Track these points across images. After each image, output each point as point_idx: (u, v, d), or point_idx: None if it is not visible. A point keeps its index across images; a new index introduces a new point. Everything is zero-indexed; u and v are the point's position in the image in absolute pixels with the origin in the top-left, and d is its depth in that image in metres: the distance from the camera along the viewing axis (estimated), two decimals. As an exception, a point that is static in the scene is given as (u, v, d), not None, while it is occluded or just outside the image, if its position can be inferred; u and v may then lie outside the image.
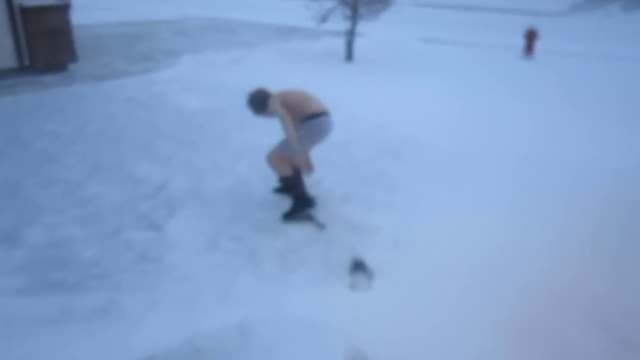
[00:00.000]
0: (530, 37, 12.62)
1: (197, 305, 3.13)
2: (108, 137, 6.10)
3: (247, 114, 7.41)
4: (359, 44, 12.41)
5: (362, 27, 12.11)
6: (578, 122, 7.09)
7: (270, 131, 6.55)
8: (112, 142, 5.96)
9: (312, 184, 4.67)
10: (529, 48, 12.68)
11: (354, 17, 11.52)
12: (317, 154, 5.36)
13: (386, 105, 7.78)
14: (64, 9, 9.20)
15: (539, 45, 12.72)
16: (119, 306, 3.10)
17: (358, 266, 3.48)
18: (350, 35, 11.51)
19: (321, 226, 4.05)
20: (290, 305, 3.11)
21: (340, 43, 12.61)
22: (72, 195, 4.56)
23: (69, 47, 9.45)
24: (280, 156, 4.12)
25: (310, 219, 4.16)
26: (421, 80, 9.62)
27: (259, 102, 4.24)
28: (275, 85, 9.00)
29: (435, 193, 4.66)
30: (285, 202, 4.38)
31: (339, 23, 11.77)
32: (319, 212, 4.28)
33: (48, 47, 9.01)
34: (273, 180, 4.79)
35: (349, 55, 11.61)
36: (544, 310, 3.13)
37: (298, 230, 4.01)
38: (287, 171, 4.13)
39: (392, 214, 4.23)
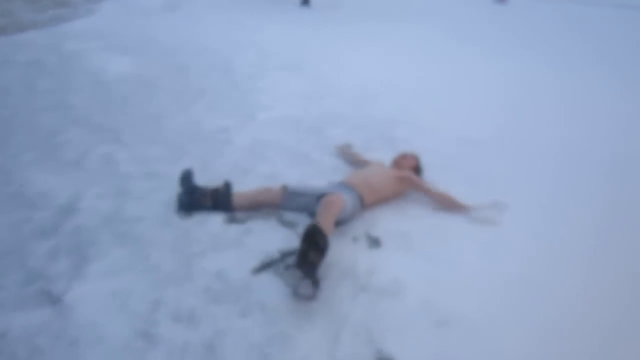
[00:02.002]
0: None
1: None
2: (-7, 126, 4.40)
3: (186, 81, 5.89)
4: (316, -16, 10.68)
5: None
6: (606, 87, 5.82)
7: (216, 106, 5.01)
8: (0, 133, 4.26)
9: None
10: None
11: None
12: (280, 145, 3.99)
13: (363, 66, 6.31)
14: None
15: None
16: None
17: (387, 374, 2.16)
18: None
19: (314, 286, 2.65)
20: None
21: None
22: None
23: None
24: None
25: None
26: (396, 31, 8.12)
27: None
28: (219, 42, 7.31)
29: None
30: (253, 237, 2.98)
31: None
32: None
33: None
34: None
35: (306, -1, 9.91)
36: None
37: (275, 291, 2.62)
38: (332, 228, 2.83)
39: (411, 254, 2.88)
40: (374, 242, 2.97)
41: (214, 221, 3.15)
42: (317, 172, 3.82)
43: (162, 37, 7.34)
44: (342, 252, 2.89)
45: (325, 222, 2.72)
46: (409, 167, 3.57)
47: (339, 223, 3.04)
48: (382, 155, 4.02)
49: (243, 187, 3.58)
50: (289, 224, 3.16)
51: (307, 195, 3.16)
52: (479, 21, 9.08)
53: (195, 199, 3.24)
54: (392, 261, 2.79)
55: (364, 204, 3.21)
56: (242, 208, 3.25)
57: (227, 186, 3.29)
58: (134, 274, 2.73)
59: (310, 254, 2.58)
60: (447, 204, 3.25)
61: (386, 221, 3.15)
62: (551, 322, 2.40)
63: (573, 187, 3.65)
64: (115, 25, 7.89)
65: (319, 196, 3.03)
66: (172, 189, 3.50)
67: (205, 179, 3.64)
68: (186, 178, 3.33)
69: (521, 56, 6.77)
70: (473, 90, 5.48)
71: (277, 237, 3.02)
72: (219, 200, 3.23)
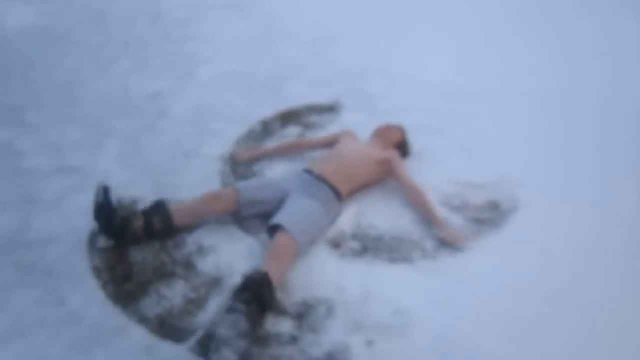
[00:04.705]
0: None
1: None
2: None
3: (105, 32, 4.79)
4: None
5: None
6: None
7: (144, 64, 4.09)
8: None
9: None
10: None
11: None
12: (230, 111, 3.27)
13: None
14: None
15: None
16: None
17: None
18: None
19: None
20: None
21: None
22: None
23: None
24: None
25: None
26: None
27: None
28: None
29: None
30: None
31: None
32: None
33: None
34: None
35: None
36: None
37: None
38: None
39: (413, 268, 2.23)
40: (363, 251, 2.31)
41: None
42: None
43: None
44: (324, 267, 2.23)
45: (275, 273, 2.04)
46: (392, 143, 2.82)
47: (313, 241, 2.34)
48: (357, 118, 3.30)
49: (187, 176, 2.84)
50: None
51: (267, 202, 2.42)
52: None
53: (128, 232, 2.29)
54: (390, 281, 2.15)
55: (342, 199, 2.51)
56: (185, 225, 2.40)
57: (160, 205, 2.36)
58: (46, 330, 1.99)
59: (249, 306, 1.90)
60: (422, 209, 2.49)
61: (375, 219, 2.48)
62: None
63: (586, 147, 3.03)
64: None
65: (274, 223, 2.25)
66: (93, 189, 2.70)
67: (137, 169, 2.87)
68: (104, 204, 2.29)
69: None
70: (449, 26, 4.67)
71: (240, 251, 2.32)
72: (154, 227, 2.31)
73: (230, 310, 1.87)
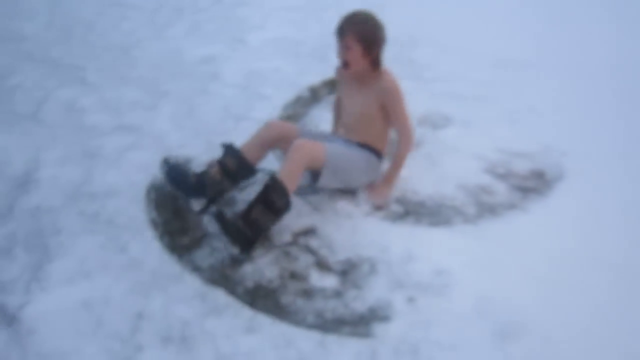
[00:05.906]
0: None
1: None
2: None
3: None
4: None
5: None
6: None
7: (197, 29, 4.20)
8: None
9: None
10: None
11: None
12: (279, 77, 3.30)
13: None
14: None
15: None
16: None
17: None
18: None
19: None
20: None
21: None
22: None
23: None
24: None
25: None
26: None
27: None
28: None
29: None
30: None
31: None
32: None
33: None
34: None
35: None
36: None
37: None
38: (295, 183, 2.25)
39: (452, 231, 2.30)
40: (405, 214, 2.38)
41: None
42: (328, 112, 3.14)
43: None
44: (368, 228, 2.31)
45: (288, 173, 2.19)
46: (362, 59, 2.31)
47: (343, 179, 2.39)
48: (404, 87, 3.31)
49: (237, 138, 2.91)
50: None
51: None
52: None
53: (208, 182, 2.40)
54: (432, 242, 2.21)
55: (382, 156, 2.51)
56: (256, 158, 2.44)
57: (229, 148, 2.44)
58: (108, 274, 2.16)
59: (254, 211, 2.15)
60: (395, 158, 2.44)
61: (418, 185, 2.54)
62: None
63: (635, 119, 2.98)
64: None
65: None
66: (149, 146, 2.87)
67: (190, 130, 3.01)
68: (172, 168, 2.44)
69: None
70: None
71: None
72: (229, 168, 2.40)
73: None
